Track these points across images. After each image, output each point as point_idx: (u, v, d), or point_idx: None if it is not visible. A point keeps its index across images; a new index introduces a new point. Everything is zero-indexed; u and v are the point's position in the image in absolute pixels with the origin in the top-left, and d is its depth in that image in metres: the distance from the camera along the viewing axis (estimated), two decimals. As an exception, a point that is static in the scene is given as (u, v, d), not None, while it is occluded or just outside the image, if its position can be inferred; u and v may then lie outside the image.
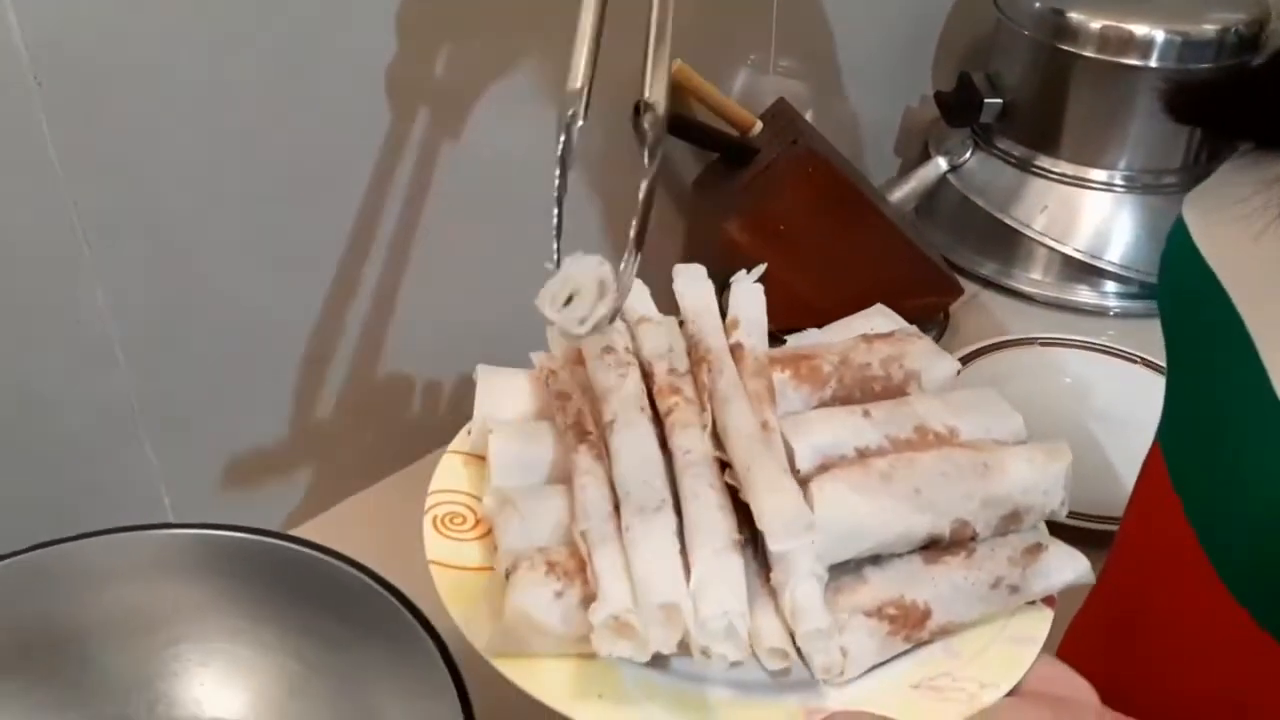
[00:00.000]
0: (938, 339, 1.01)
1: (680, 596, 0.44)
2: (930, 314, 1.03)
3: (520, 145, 0.84)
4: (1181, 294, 0.54)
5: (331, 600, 0.58)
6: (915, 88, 1.24)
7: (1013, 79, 1.12)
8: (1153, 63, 1.03)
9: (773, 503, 0.45)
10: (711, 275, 0.58)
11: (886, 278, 0.97)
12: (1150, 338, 0.98)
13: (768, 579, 0.46)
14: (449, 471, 0.55)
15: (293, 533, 0.77)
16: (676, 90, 0.94)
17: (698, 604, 0.44)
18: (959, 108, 1.14)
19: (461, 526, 0.52)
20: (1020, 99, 1.11)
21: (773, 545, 0.45)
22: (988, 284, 1.11)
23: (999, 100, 1.11)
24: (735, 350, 0.54)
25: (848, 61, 1.13)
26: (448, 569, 0.50)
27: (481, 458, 0.54)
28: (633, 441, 0.50)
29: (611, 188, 0.94)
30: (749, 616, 0.44)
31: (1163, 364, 0.95)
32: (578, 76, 0.52)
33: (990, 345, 0.99)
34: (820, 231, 0.95)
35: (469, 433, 0.56)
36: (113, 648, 0.60)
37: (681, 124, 0.95)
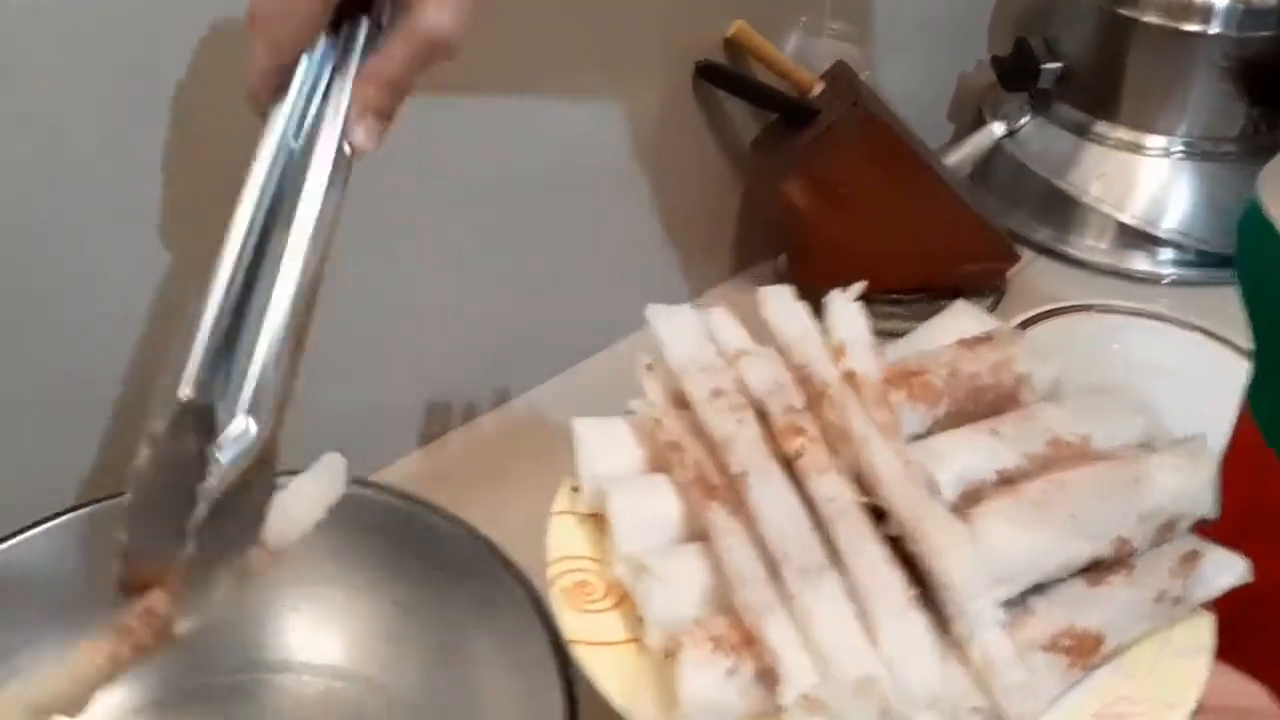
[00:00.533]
0: (995, 305, 1.01)
1: (874, 668, 0.43)
2: (988, 280, 1.02)
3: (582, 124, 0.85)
4: (1262, 273, 0.54)
5: (418, 544, 0.59)
6: (971, 52, 1.24)
7: (1071, 44, 1.11)
8: (1213, 29, 1.02)
9: (959, 561, 0.44)
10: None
11: (946, 243, 0.97)
12: (1206, 305, 0.99)
13: (944, 628, 0.45)
14: (564, 535, 0.52)
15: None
16: (737, 49, 0.95)
17: (894, 673, 0.43)
18: (1016, 73, 1.13)
19: (592, 596, 0.50)
20: (1078, 64, 1.10)
21: (967, 606, 0.44)
22: (1042, 250, 1.11)
23: (1057, 65, 1.10)
24: (848, 378, 0.52)
25: (903, 25, 1.12)
26: (593, 647, 0.48)
27: (594, 516, 0.52)
28: (774, 495, 0.47)
29: (670, 157, 0.94)
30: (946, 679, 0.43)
31: (1219, 332, 0.96)
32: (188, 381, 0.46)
33: (1045, 312, 0.98)
34: (880, 195, 0.95)
35: (574, 490, 0.53)
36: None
37: (741, 83, 0.95)
